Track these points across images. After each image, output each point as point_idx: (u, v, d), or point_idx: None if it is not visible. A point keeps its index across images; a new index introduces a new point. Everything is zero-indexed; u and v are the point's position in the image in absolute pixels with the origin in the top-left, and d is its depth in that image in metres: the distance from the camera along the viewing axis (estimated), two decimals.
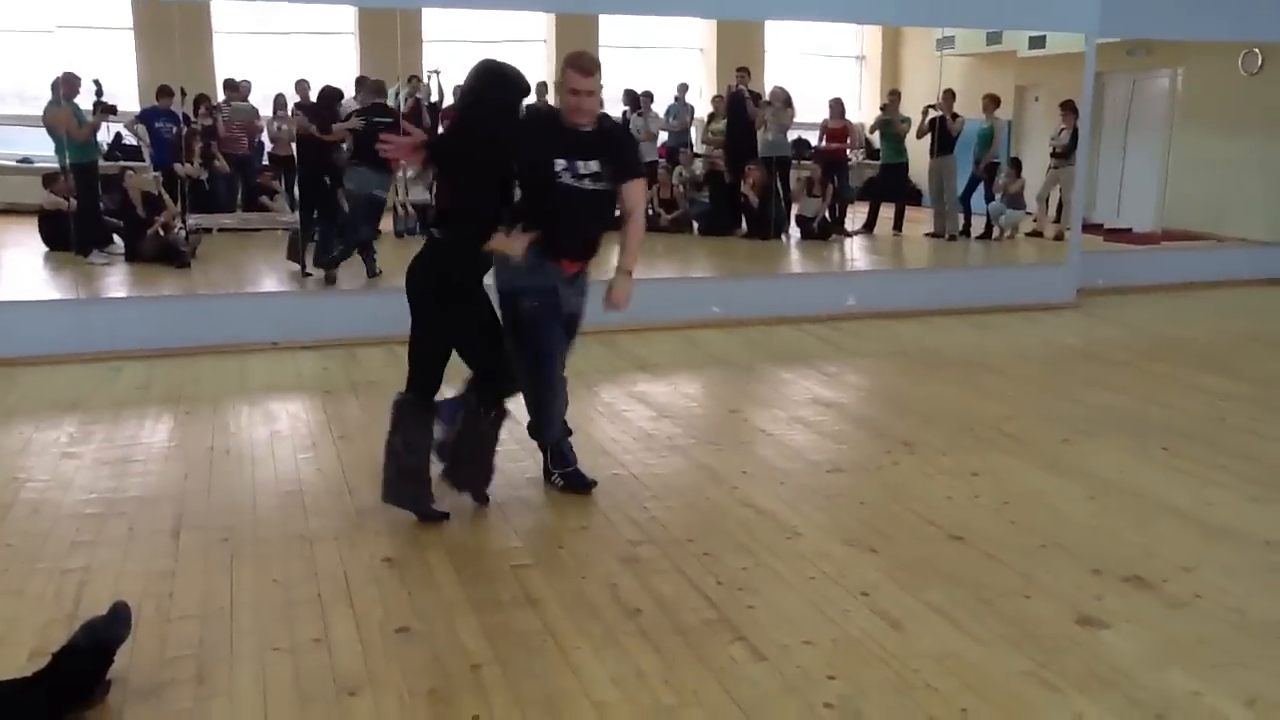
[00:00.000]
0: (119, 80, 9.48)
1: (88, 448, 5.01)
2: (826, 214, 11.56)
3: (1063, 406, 5.88)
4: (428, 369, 4.09)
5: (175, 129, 9.37)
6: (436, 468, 4.18)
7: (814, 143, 12.28)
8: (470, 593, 3.52)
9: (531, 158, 4.11)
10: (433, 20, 10.49)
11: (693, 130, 12.66)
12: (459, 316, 4.05)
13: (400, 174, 9.17)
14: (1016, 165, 11.80)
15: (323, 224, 8.98)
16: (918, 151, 11.62)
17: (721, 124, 11.90)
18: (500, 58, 4.07)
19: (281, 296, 8.04)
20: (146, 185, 9.24)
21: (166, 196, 9.25)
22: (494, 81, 3.97)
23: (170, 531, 4.02)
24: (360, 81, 10.54)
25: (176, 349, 6.82)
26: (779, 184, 11.30)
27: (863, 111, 12.91)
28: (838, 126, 11.65)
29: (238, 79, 10.60)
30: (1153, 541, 4.00)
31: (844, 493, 4.52)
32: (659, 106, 12.00)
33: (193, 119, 9.74)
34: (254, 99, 10.75)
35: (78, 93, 8.40)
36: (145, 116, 9.50)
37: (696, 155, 12.36)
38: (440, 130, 10.06)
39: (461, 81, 4.08)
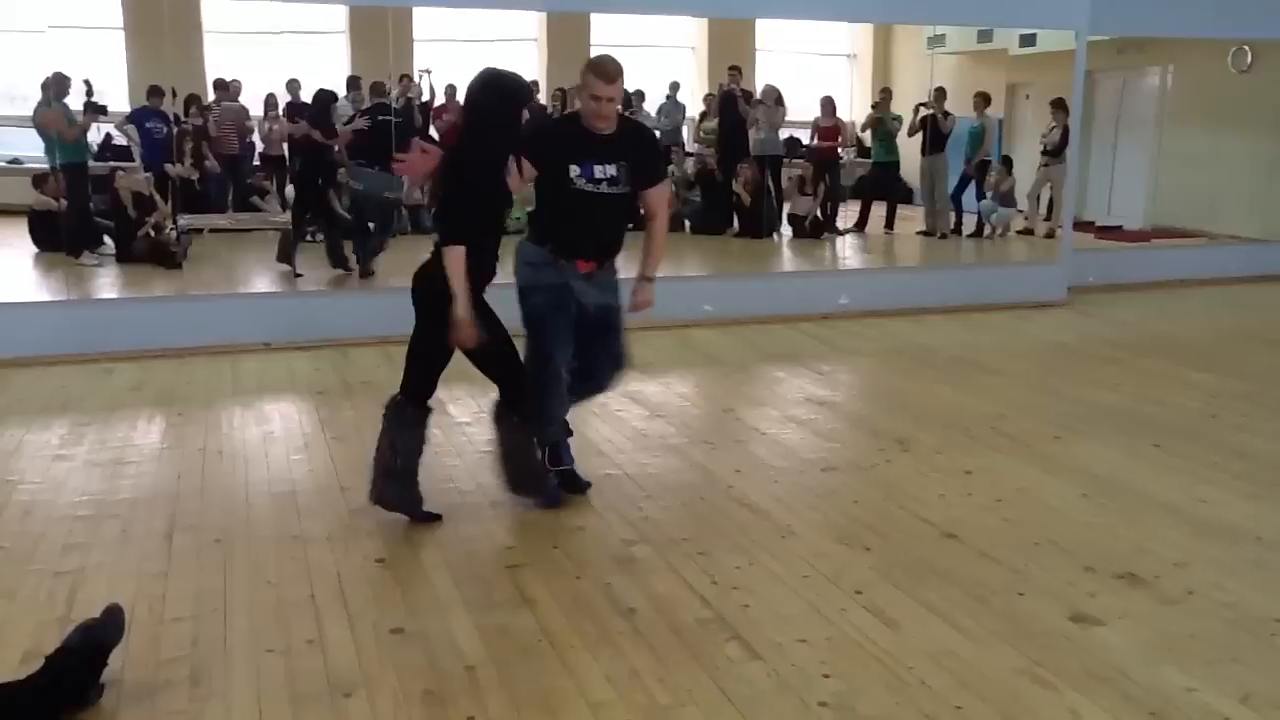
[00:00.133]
0: (109, 80, 9.47)
1: (80, 449, 5.00)
2: (818, 212, 11.58)
3: (1055, 404, 5.90)
4: (424, 373, 4.07)
5: (166, 129, 9.35)
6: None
7: (806, 141, 12.30)
8: (465, 593, 3.52)
9: (547, 162, 4.10)
10: (424, 20, 10.49)
11: (684, 129, 12.67)
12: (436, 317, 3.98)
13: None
14: (1007, 163, 11.85)
15: (325, 229, 8.96)
16: (909, 150, 11.66)
17: (713, 123, 11.92)
18: (498, 62, 4.05)
19: (274, 297, 8.03)
20: (138, 186, 9.22)
21: (158, 197, 9.23)
22: (493, 93, 3.94)
23: (163, 533, 4.01)
24: (352, 81, 10.54)
25: (168, 350, 6.80)
26: (771, 182, 11.33)
27: (854, 110, 12.94)
28: (829, 125, 11.67)
29: (227, 79, 10.59)
30: (1145, 538, 4.01)
31: (838, 491, 4.52)
32: (651, 105, 12.00)
33: (183, 119, 9.73)
34: (245, 99, 10.74)
35: (68, 93, 8.38)
36: (135, 117, 9.49)
37: (688, 154, 12.38)
38: (435, 133, 10.08)
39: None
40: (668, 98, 12.29)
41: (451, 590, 3.54)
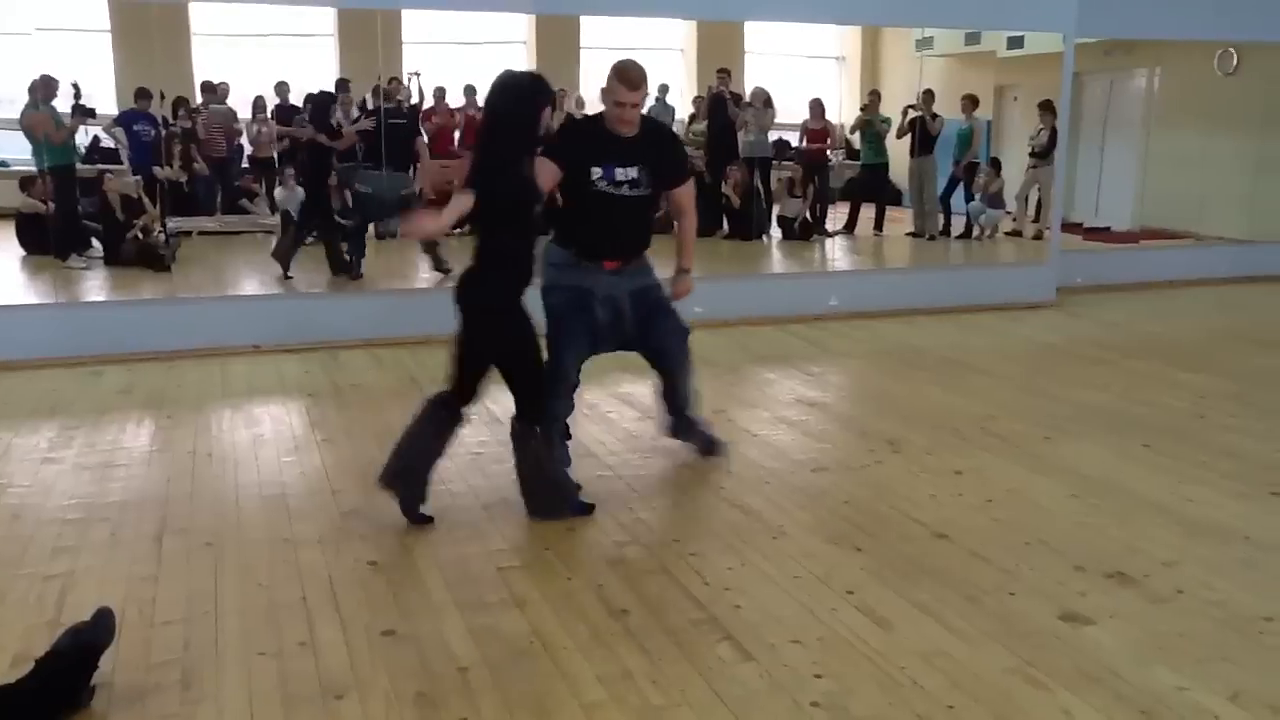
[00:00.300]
0: (97, 83, 9.43)
1: (69, 452, 4.98)
2: (808, 214, 11.60)
3: (1044, 404, 5.92)
4: (464, 378, 4.07)
5: (154, 132, 9.31)
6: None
7: (795, 143, 12.32)
8: (457, 595, 3.51)
9: (570, 163, 4.14)
10: (412, 22, 10.46)
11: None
12: (491, 338, 4.01)
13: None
14: (996, 165, 11.88)
15: (327, 234, 8.95)
16: (898, 152, 11.69)
17: (702, 125, 11.92)
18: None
19: (263, 299, 8.01)
20: (126, 188, 9.19)
21: (146, 200, 9.20)
22: (510, 94, 3.94)
23: (153, 536, 3.99)
24: (341, 84, 10.51)
25: (157, 353, 6.78)
26: (760, 185, 11.34)
27: (843, 112, 12.96)
28: (818, 127, 11.70)
29: (215, 82, 10.56)
30: (1135, 538, 4.02)
31: (829, 492, 4.53)
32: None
33: (171, 122, 9.70)
34: (233, 102, 10.70)
35: (55, 95, 8.35)
36: (123, 119, 9.45)
37: None
38: (425, 136, 10.06)
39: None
40: (657, 100, 12.27)
41: (443, 592, 3.54)
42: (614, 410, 5.66)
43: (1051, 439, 5.26)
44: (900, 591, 3.54)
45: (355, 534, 4.02)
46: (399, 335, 7.25)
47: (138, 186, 9.27)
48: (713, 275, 9.94)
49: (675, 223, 4.58)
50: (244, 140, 10.78)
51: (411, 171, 9.09)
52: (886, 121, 11.66)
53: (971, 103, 11.67)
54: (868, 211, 11.93)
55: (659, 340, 4.51)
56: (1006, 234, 11.77)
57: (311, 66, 11.02)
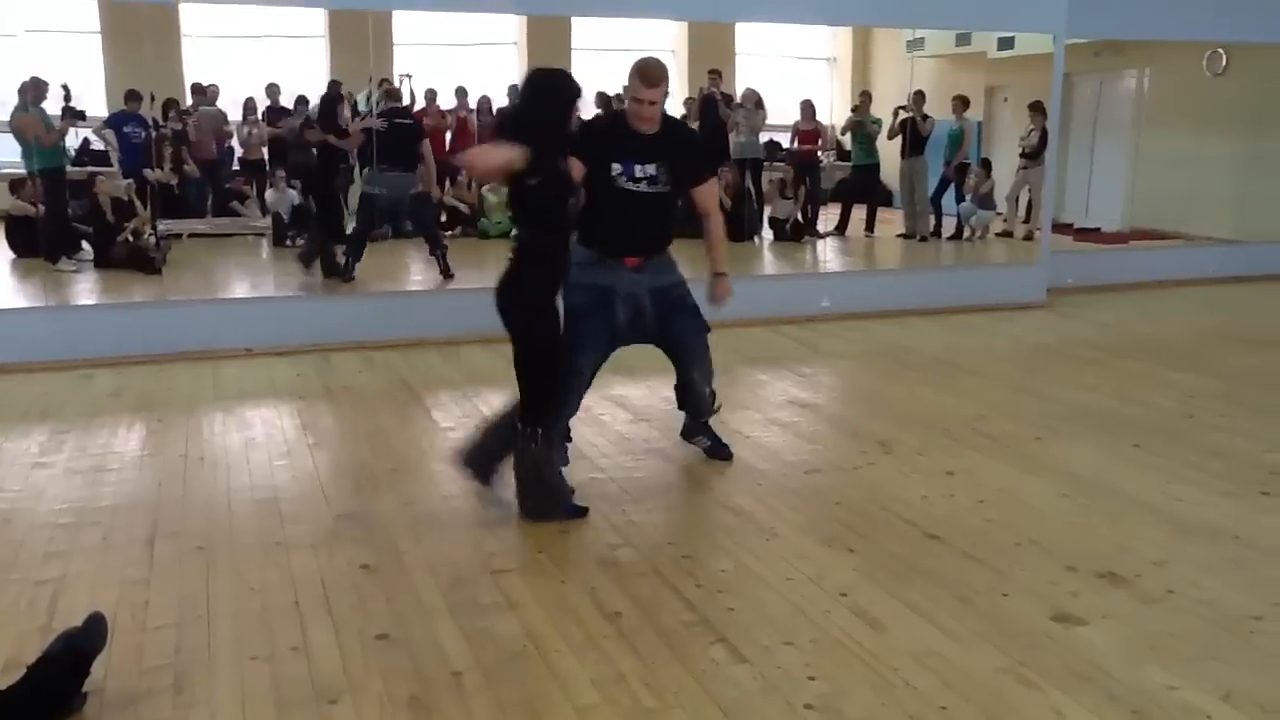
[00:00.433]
0: (86, 85, 9.39)
1: (59, 457, 4.96)
2: (799, 216, 11.61)
3: (1035, 405, 5.94)
4: (537, 389, 4.10)
5: (144, 134, 9.29)
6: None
7: (786, 145, 12.33)
8: (449, 598, 3.51)
9: (592, 160, 4.20)
10: (404, 24, 10.46)
11: None
12: (522, 330, 4.05)
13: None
14: (986, 166, 11.90)
15: (323, 236, 8.93)
16: (889, 153, 11.70)
17: (694, 126, 11.92)
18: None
19: (254, 302, 7.99)
20: (117, 191, 9.16)
21: (137, 202, 9.18)
22: (537, 91, 4.00)
23: (145, 540, 3.98)
24: (333, 85, 10.51)
25: (148, 356, 6.76)
26: (751, 186, 11.35)
27: (834, 113, 12.97)
28: (809, 128, 11.71)
29: (205, 83, 10.54)
30: (1126, 537, 4.04)
31: (821, 493, 4.54)
32: None
33: (161, 124, 9.67)
34: (223, 104, 10.68)
35: (45, 97, 8.32)
36: (113, 121, 9.42)
37: None
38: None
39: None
40: None
41: (436, 595, 3.53)
42: (607, 413, 5.67)
43: (1043, 439, 5.27)
44: (893, 592, 3.55)
45: (348, 537, 4.02)
46: (391, 338, 7.24)
47: (129, 189, 9.25)
48: (704, 277, 9.95)
49: (703, 225, 4.61)
50: (235, 142, 10.77)
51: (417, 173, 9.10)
52: (877, 123, 11.67)
53: (962, 104, 11.70)
54: (859, 212, 11.94)
55: (678, 337, 4.59)
56: (997, 235, 11.79)
57: (302, 68, 11.01)
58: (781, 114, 11.91)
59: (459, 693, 2.94)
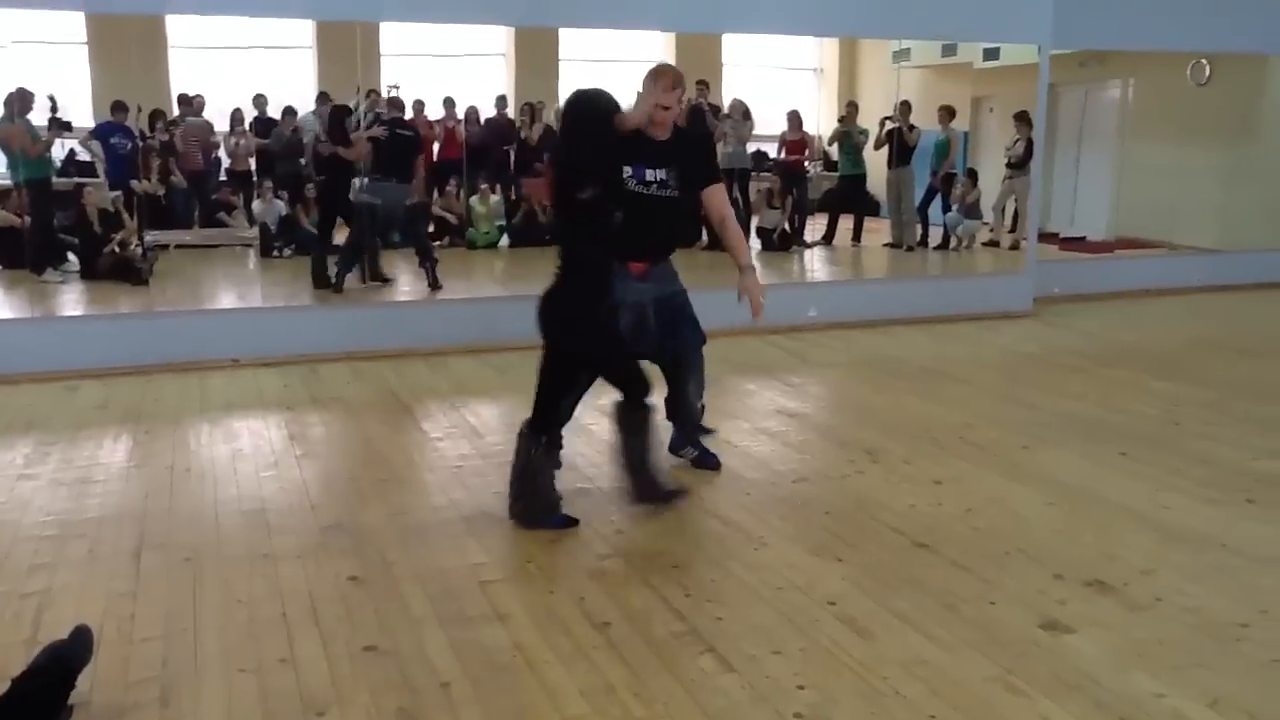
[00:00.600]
0: (73, 96, 9.38)
1: (45, 468, 4.94)
2: (786, 225, 11.65)
3: (1022, 413, 5.96)
4: (551, 401, 4.21)
5: (130, 144, 9.28)
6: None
7: (773, 155, 12.37)
8: (438, 609, 3.50)
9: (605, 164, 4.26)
10: (391, 35, 10.46)
11: None
12: (564, 343, 4.13)
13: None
14: (973, 175, 11.97)
15: (315, 247, 8.94)
16: (875, 163, 11.76)
17: None
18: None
19: (241, 313, 7.98)
20: (104, 202, 9.15)
21: (125, 214, 9.16)
22: (583, 110, 4.07)
23: (131, 552, 3.96)
24: (322, 97, 10.51)
25: (134, 367, 6.73)
26: (739, 196, 11.37)
27: (821, 123, 13.03)
28: (796, 138, 11.75)
29: (190, 94, 10.53)
30: (1113, 545, 4.05)
31: (809, 502, 4.54)
32: None
33: (148, 135, 9.66)
34: (211, 115, 10.67)
35: (31, 108, 8.31)
36: (100, 132, 9.41)
37: None
38: None
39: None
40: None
41: (425, 606, 3.53)
42: (595, 422, 5.65)
43: (1029, 447, 5.29)
44: (881, 601, 3.56)
45: (335, 549, 4.01)
46: (379, 348, 7.23)
47: (115, 200, 9.23)
48: (692, 287, 9.97)
49: (719, 231, 4.65)
50: (222, 153, 10.75)
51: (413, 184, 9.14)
52: (864, 133, 11.73)
53: (948, 114, 11.77)
54: (846, 222, 11.99)
55: (678, 348, 4.67)
56: (983, 244, 11.86)
57: (290, 79, 11.00)
58: (768, 124, 11.97)
59: (447, 704, 2.93)
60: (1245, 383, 6.69)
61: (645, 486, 4.23)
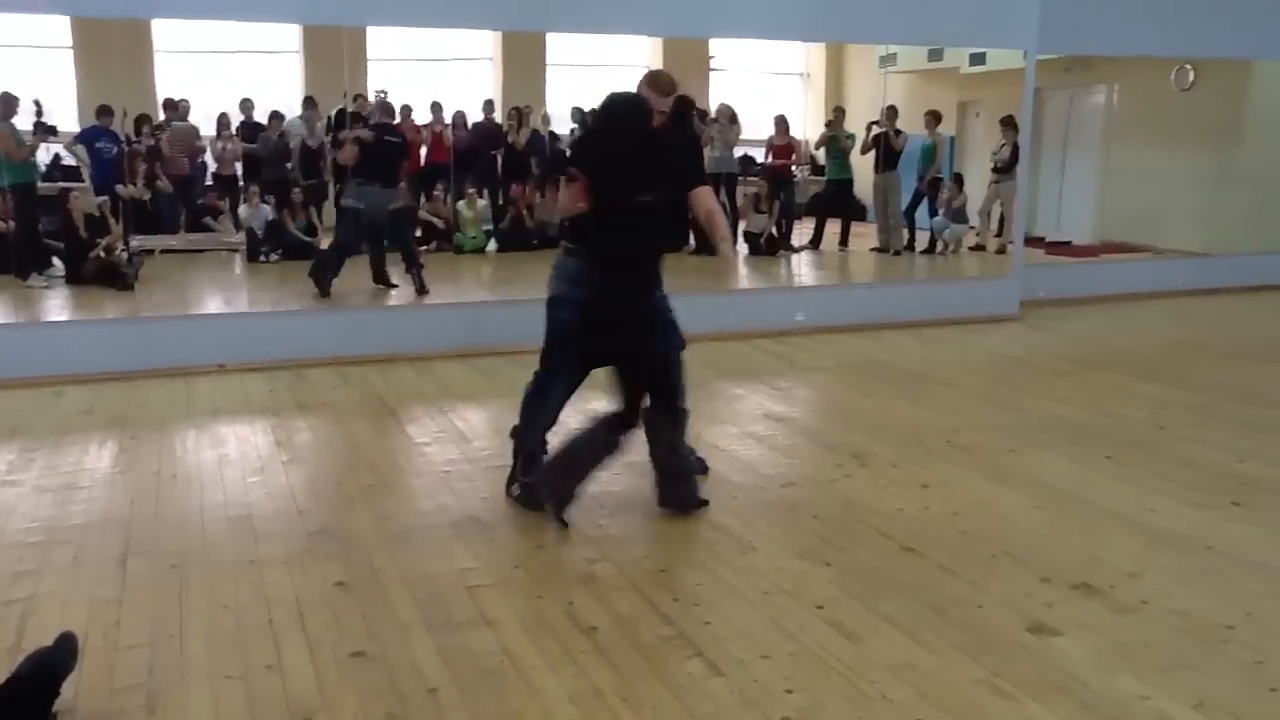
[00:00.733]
0: (58, 100, 9.33)
1: (29, 474, 4.91)
2: (773, 230, 11.67)
3: (1009, 417, 5.97)
4: (647, 384, 4.31)
5: (115, 149, 9.24)
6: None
7: (760, 159, 12.40)
8: (425, 614, 3.49)
9: (590, 170, 4.24)
10: (378, 39, 10.44)
11: None
12: (620, 347, 4.22)
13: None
14: (959, 180, 12.01)
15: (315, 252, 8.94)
16: (862, 167, 11.79)
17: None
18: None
19: (227, 318, 7.94)
20: (89, 207, 9.10)
21: (110, 219, 9.12)
22: (619, 113, 4.16)
23: (117, 559, 3.94)
24: (308, 101, 10.49)
25: (120, 373, 6.70)
26: (726, 200, 11.39)
27: (808, 128, 13.07)
28: (783, 143, 11.78)
29: (176, 98, 10.49)
30: (1099, 548, 4.07)
31: (797, 506, 4.55)
32: None
33: (134, 139, 9.62)
34: (196, 119, 10.64)
35: (15, 112, 8.26)
36: (85, 137, 9.37)
37: None
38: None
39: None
40: None
41: (412, 611, 3.52)
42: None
43: (1016, 451, 5.31)
44: (869, 605, 3.56)
45: (322, 554, 3.99)
46: (366, 353, 7.21)
47: (102, 205, 9.19)
48: (679, 291, 9.97)
49: (705, 227, 4.69)
50: (208, 158, 10.71)
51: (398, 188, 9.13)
52: (851, 137, 11.76)
53: (934, 119, 11.81)
54: (833, 227, 12.02)
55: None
56: (970, 249, 11.89)
57: (276, 83, 10.98)
58: (755, 129, 11.99)
59: (435, 710, 2.92)
60: (1231, 386, 6.73)
61: (674, 490, 4.33)
